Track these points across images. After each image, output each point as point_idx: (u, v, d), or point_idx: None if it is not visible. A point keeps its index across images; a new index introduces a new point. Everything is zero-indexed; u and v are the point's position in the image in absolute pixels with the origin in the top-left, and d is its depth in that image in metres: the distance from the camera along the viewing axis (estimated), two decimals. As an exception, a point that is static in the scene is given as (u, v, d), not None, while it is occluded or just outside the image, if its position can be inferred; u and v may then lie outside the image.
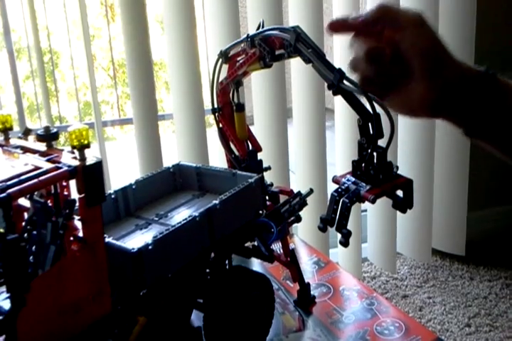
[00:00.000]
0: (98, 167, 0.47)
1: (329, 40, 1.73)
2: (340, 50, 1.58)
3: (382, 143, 0.61)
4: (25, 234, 0.49)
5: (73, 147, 0.48)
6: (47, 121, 1.53)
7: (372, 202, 0.59)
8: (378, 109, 0.60)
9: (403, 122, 1.62)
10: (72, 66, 3.22)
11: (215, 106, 0.79)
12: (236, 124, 0.79)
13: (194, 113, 1.45)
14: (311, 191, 0.77)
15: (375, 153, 0.61)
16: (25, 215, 0.52)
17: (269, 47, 0.68)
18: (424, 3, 1.56)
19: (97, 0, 3.33)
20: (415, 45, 0.57)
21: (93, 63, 1.56)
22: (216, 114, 0.80)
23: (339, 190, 0.61)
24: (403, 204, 0.62)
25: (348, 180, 0.62)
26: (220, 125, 0.80)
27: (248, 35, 0.70)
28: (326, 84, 0.62)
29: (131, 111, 1.45)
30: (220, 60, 0.76)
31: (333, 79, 0.61)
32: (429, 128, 1.65)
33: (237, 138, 0.80)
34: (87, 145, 0.48)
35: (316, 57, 0.63)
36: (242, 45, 0.73)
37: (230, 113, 0.80)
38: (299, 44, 0.64)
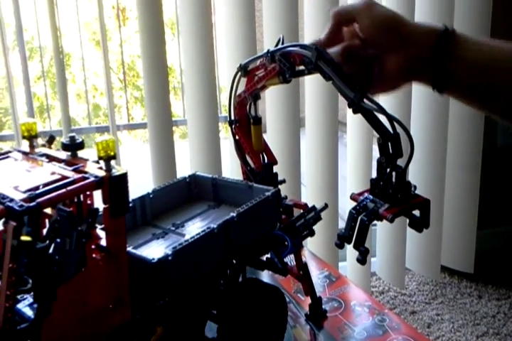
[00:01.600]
0: (124, 178, 0.48)
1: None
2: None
3: (400, 162, 0.62)
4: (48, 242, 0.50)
5: (100, 158, 0.49)
6: (62, 122, 1.54)
7: (391, 221, 0.60)
8: (398, 128, 0.61)
9: (414, 139, 1.62)
10: (83, 67, 3.25)
11: (232, 118, 0.80)
12: (253, 137, 0.80)
13: (208, 119, 1.46)
14: (325, 206, 0.78)
15: (393, 173, 0.61)
16: (46, 222, 0.54)
17: (289, 63, 0.69)
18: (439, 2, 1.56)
19: (108, 3, 3.37)
20: (370, 25, 0.64)
21: (109, 67, 1.58)
22: (233, 126, 0.81)
23: (357, 207, 0.62)
24: (419, 224, 0.63)
25: (366, 198, 0.63)
26: (237, 137, 0.81)
27: (268, 50, 0.71)
28: (339, 98, 0.64)
29: (147, 116, 1.46)
30: (239, 74, 0.77)
31: (354, 98, 0.61)
32: (441, 144, 1.65)
33: (253, 150, 0.80)
34: (114, 157, 0.49)
35: (336, 75, 0.63)
36: (262, 59, 0.74)
37: (246, 125, 0.80)
38: (320, 62, 0.65)
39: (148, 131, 1.46)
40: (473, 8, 1.60)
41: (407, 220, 0.64)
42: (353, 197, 0.64)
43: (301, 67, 0.69)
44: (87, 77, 3.39)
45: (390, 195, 0.61)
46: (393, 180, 0.62)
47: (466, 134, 1.67)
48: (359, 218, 0.61)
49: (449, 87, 0.64)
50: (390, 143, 0.61)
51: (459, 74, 0.62)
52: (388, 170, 0.61)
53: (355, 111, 0.62)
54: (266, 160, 0.81)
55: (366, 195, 0.64)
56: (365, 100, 0.61)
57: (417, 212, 0.63)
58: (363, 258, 0.61)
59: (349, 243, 0.61)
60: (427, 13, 1.58)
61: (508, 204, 1.90)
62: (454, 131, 1.66)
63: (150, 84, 1.42)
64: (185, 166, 1.50)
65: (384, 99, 1.60)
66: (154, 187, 0.75)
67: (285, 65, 0.69)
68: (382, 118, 0.61)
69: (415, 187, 0.63)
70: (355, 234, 0.61)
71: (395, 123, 0.60)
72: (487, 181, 1.72)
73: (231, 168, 1.51)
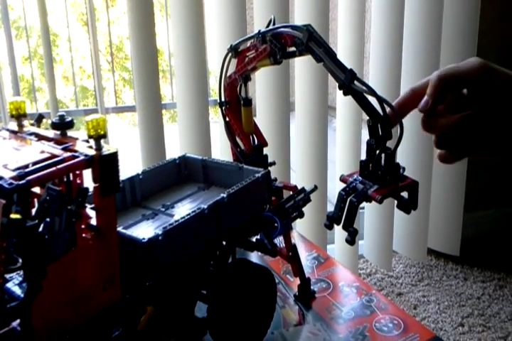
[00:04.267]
0: (114, 157, 0.48)
1: (333, 37, 1.73)
2: (344, 50, 1.58)
3: (390, 144, 0.62)
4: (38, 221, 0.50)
5: (90, 136, 0.48)
6: (50, 104, 1.52)
7: (380, 202, 0.60)
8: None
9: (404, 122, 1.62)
10: (70, 49, 3.21)
11: (223, 99, 0.80)
12: (243, 118, 0.80)
13: (198, 102, 1.45)
14: (315, 188, 0.78)
15: (383, 154, 0.62)
16: (35, 202, 0.53)
17: (280, 44, 0.69)
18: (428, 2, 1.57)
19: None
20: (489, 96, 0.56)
21: (98, 49, 1.56)
22: (223, 108, 0.80)
23: (347, 189, 0.62)
24: (408, 205, 0.63)
25: (355, 180, 0.63)
26: (227, 119, 0.81)
27: (260, 31, 0.71)
28: (329, 82, 0.63)
29: (135, 99, 1.44)
30: (230, 55, 0.77)
31: (345, 80, 0.61)
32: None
33: (243, 132, 0.80)
34: (104, 136, 0.49)
35: (327, 56, 0.63)
36: (253, 40, 0.73)
37: (237, 107, 0.80)
38: (311, 43, 0.64)
39: (137, 114, 1.45)
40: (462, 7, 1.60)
41: (395, 202, 0.64)
42: (342, 179, 0.64)
43: (293, 49, 0.69)
44: (74, 58, 3.34)
45: (379, 176, 0.62)
46: (382, 161, 0.62)
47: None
48: (348, 199, 0.61)
49: None
50: (379, 125, 0.61)
51: None
52: (378, 152, 0.61)
53: (345, 93, 0.62)
54: (256, 142, 0.81)
55: (355, 176, 0.64)
56: (355, 82, 0.61)
57: (405, 194, 0.63)
58: (351, 239, 0.61)
59: (338, 224, 0.62)
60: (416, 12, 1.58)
61: (495, 188, 1.92)
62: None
63: (139, 67, 1.40)
64: (175, 150, 1.49)
65: (374, 83, 1.60)
66: (144, 168, 0.74)
67: (276, 45, 0.69)
68: (373, 100, 0.61)
69: (404, 169, 0.63)
70: (344, 215, 0.61)
71: (385, 106, 0.60)
72: (474, 164, 1.73)
73: (221, 151, 1.51)
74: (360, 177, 0.64)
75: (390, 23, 1.53)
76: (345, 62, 0.63)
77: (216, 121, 1.58)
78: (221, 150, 1.50)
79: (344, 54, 1.56)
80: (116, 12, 3.68)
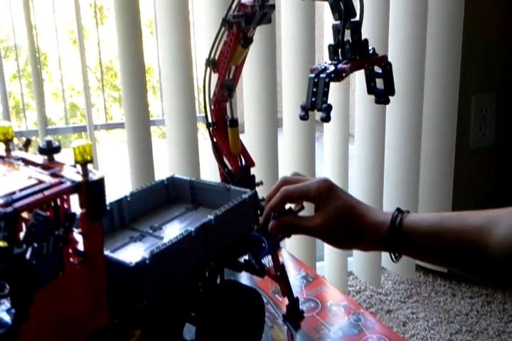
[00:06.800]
0: (101, 183, 0.48)
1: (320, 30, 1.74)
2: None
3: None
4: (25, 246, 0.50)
5: (76, 162, 0.49)
6: (38, 123, 1.52)
7: (350, 71, 0.59)
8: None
9: (388, 142, 1.64)
10: (59, 67, 3.21)
11: (210, 120, 0.81)
12: (230, 139, 0.81)
13: (186, 119, 1.46)
14: (302, 207, 0.79)
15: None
16: (23, 225, 0.53)
17: (242, 13, 0.70)
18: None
19: (85, 1, 3.33)
20: (326, 215, 0.65)
21: (86, 67, 1.56)
22: (210, 129, 0.81)
23: (316, 72, 0.61)
24: (385, 93, 0.63)
25: (324, 63, 0.62)
26: (214, 139, 0.82)
27: (222, 18, 0.72)
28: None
29: (125, 116, 1.45)
30: (209, 69, 0.77)
31: None
32: (414, 148, 1.67)
33: (230, 152, 0.81)
34: (90, 161, 0.49)
35: None
36: (221, 37, 0.73)
37: (223, 128, 0.81)
38: None
39: (126, 131, 1.46)
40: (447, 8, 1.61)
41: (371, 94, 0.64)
42: (312, 69, 0.62)
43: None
44: (64, 76, 3.35)
45: (348, 51, 0.61)
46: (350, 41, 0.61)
47: (439, 136, 1.69)
48: (319, 78, 0.60)
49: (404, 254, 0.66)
50: (341, 3, 0.61)
51: (411, 253, 0.65)
52: (341, 23, 0.60)
53: None
54: (243, 163, 0.82)
55: (324, 61, 0.63)
56: None
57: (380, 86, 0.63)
58: (327, 115, 0.60)
59: (313, 110, 0.61)
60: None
61: (482, 208, 1.92)
62: (427, 134, 1.68)
63: (128, 84, 1.41)
64: (164, 165, 1.50)
65: (361, 103, 1.61)
66: (132, 189, 0.75)
67: (238, 16, 0.70)
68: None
69: (374, 49, 0.62)
70: (316, 95, 0.60)
71: None
72: (460, 186, 1.74)
73: (209, 167, 1.51)
74: (329, 61, 0.62)
75: (376, 23, 1.53)
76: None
77: (206, 137, 1.59)
78: (210, 166, 1.50)
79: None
80: (105, 31, 3.70)
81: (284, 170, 1.61)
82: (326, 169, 1.67)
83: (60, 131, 3.21)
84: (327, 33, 1.58)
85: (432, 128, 1.68)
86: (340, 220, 0.65)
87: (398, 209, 0.65)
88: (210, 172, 1.49)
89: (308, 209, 0.71)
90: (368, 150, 1.61)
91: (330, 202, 0.65)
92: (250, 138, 1.53)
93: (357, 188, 1.67)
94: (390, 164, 1.67)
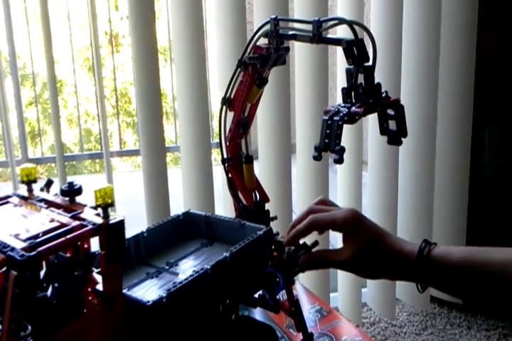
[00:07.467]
0: (121, 225, 0.50)
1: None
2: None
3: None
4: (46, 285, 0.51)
5: (98, 205, 0.51)
6: (56, 149, 1.55)
7: (363, 115, 0.61)
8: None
9: (402, 173, 1.64)
10: (75, 94, 3.28)
11: (225, 156, 0.82)
12: (245, 175, 0.82)
13: (201, 146, 1.47)
14: (316, 243, 0.79)
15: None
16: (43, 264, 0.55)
17: (257, 55, 0.72)
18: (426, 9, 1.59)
19: (101, 29, 3.41)
20: (354, 243, 0.67)
21: (103, 94, 1.59)
22: (225, 165, 0.82)
23: (330, 115, 0.62)
24: (397, 134, 0.64)
25: (338, 106, 0.63)
26: (229, 175, 0.83)
27: (238, 60, 0.74)
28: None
29: (140, 143, 1.46)
30: (225, 108, 0.79)
31: (313, 30, 0.65)
32: (428, 178, 1.67)
33: (245, 188, 0.82)
34: (111, 204, 0.51)
35: (298, 30, 0.68)
36: (237, 77, 0.76)
37: (239, 163, 0.82)
38: (278, 26, 0.69)
39: (142, 158, 1.48)
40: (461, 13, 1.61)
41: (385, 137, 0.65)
42: (325, 111, 0.64)
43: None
44: (79, 103, 3.41)
45: (361, 94, 0.62)
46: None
47: (454, 166, 1.69)
48: (332, 120, 0.61)
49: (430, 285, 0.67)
50: (354, 47, 0.62)
51: (438, 284, 0.66)
52: (355, 68, 0.62)
53: (317, 42, 0.65)
54: (258, 198, 0.83)
55: (337, 104, 0.64)
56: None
57: (393, 127, 0.64)
58: (339, 157, 0.61)
59: (326, 151, 0.62)
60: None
61: (496, 242, 1.90)
62: (441, 161, 1.68)
63: (143, 111, 1.43)
64: (180, 191, 1.51)
65: (374, 130, 1.63)
66: (148, 225, 0.76)
67: (254, 58, 0.72)
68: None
69: (387, 92, 0.64)
70: (330, 137, 0.61)
71: (355, 27, 0.63)
72: (475, 217, 1.73)
73: (223, 195, 1.52)
74: (342, 104, 0.64)
75: (389, 23, 1.54)
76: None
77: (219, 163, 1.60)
78: (224, 194, 1.51)
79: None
80: (120, 58, 3.78)
81: (298, 197, 1.62)
82: (339, 196, 1.67)
83: (76, 157, 3.26)
84: (339, 61, 1.60)
85: (445, 157, 1.68)
86: (370, 252, 0.66)
87: (425, 241, 0.66)
88: (223, 199, 1.50)
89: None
90: (382, 178, 1.62)
91: (358, 233, 0.67)
92: (264, 166, 1.54)
93: (371, 217, 1.66)
94: (403, 192, 1.66)
